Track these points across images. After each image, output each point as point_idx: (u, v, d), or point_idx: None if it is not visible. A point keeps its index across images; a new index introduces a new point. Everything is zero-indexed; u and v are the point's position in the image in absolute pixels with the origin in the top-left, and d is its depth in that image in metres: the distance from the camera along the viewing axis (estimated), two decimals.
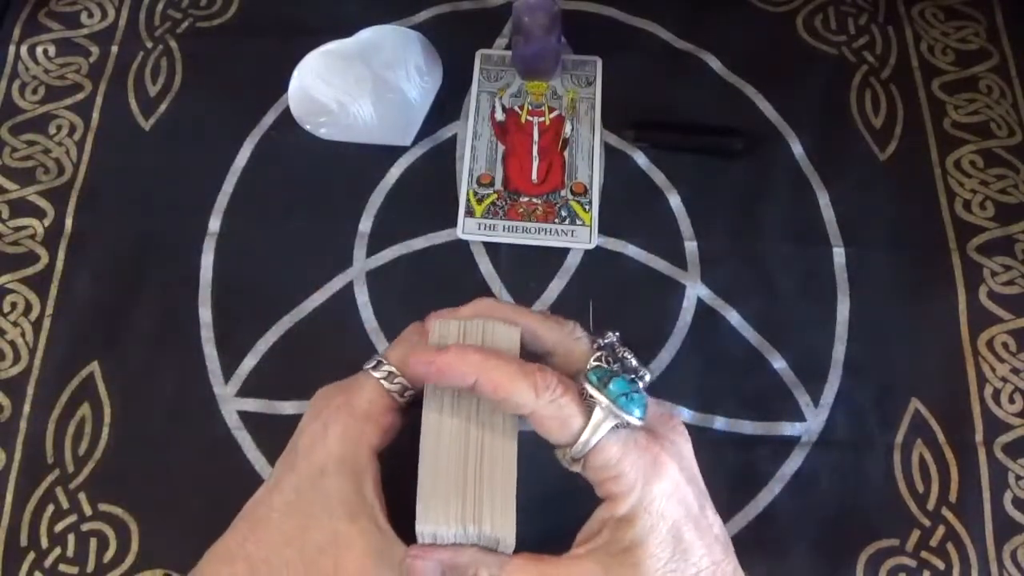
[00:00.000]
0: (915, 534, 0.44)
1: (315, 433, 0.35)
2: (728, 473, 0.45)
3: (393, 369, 0.36)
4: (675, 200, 0.52)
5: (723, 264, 0.50)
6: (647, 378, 0.35)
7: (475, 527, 0.32)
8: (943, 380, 0.47)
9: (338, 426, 0.35)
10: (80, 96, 0.54)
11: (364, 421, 0.35)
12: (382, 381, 0.36)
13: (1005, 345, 0.48)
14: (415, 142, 0.53)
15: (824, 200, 0.52)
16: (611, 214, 0.51)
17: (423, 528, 0.33)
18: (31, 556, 0.43)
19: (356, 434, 0.35)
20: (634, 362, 0.36)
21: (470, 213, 0.51)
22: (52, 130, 0.53)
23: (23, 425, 0.46)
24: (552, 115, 0.54)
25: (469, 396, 0.34)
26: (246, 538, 0.34)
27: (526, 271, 0.50)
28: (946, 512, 0.45)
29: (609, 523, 0.33)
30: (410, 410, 0.37)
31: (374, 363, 0.36)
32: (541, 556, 0.33)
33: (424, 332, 0.37)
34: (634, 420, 0.32)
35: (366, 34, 0.54)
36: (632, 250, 0.50)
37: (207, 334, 0.48)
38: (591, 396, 0.32)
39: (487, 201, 0.52)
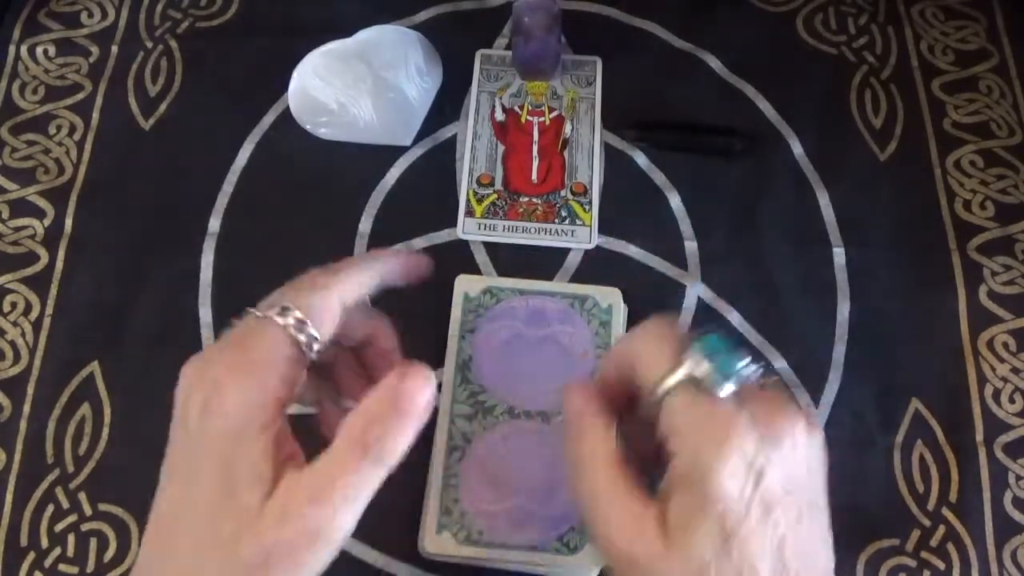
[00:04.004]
0: (915, 534, 0.44)
1: (205, 400, 0.28)
2: None
3: (302, 316, 0.30)
4: (675, 200, 0.52)
5: (723, 264, 0.50)
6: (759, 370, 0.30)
7: None
8: (943, 380, 0.47)
9: (233, 385, 0.28)
10: (80, 96, 0.54)
11: (266, 371, 0.29)
12: (290, 329, 0.29)
13: (1005, 345, 0.48)
14: (415, 142, 0.53)
15: (824, 200, 0.52)
16: (611, 214, 0.51)
17: None
18: (31, 556, 0.43)
19: (260, 390, 0.28)
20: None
21: (470, 213, 0.51)
22: (52, 130, 0.53)
23: (23, 425, 0.46)
24: (552, 115, 0.54)
25: None
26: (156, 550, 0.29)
27: (526, 271, 0.50)
28: (946, 512, 0.45)
29: (669, 490, 0.28)
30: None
31: (278, 308, 0.30)
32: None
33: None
34: (708, 370, 0.28)
35: (366, 34, 0.54)
36: (632, 250, 0.50)
37: (207, 334, 0.48)
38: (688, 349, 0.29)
39: (487, 201, 0.52)
